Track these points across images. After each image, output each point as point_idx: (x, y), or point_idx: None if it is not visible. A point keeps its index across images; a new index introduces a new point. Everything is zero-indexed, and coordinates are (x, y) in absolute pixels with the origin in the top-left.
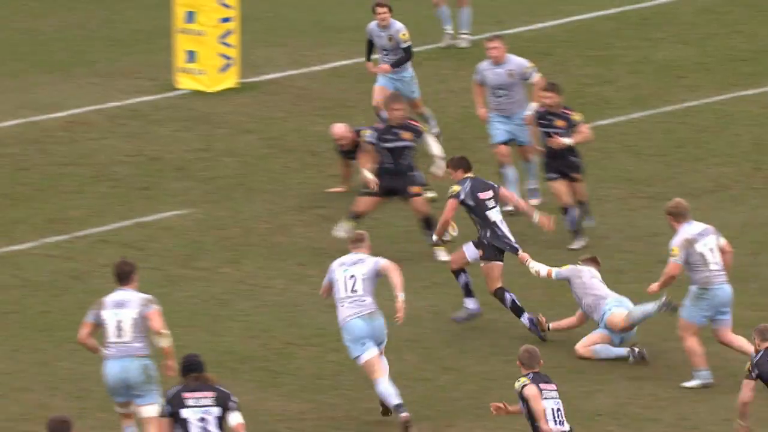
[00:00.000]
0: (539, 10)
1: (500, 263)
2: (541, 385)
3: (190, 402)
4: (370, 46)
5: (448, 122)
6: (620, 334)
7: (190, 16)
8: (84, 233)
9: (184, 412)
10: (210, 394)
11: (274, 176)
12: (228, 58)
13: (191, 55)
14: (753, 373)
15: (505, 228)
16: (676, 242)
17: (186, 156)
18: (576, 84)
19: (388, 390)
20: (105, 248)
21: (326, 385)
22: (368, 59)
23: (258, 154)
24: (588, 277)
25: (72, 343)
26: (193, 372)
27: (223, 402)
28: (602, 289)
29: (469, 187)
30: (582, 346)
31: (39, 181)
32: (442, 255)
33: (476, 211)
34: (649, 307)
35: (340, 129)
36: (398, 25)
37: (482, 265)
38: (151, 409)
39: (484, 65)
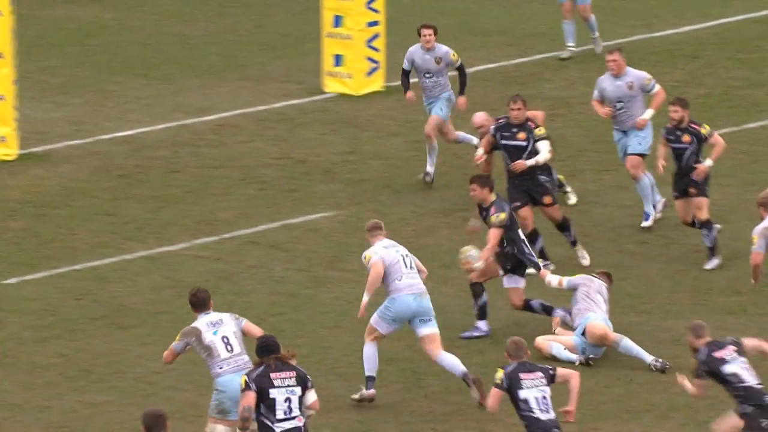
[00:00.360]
0: (687, 12)
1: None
2: (522, 375)
3: (276, 382)
4: (408, 74)
5: (592, 125)
6: (591, 345)
7: (338, 21)
8: (232, 235)
9: (273, 392)
10: (292, 374)
11: (418, 179)
12: (375, 61)
13: (338, 59)
14: (702, 371)
15: (527, 245)
16: (757, 230)
17: (332, 159)
18: (724, 87)
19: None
20: (253, 249)
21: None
22: (407, 89)
23: (404, 156)
24: (594, 289)
25: None
26: (272, 353)
27: (303, 382)
28: (600, 305)
29: (508, 209)
30: (544, 339)
31: (189, 183)
32: (584, 258)
33: (512, 229)
34: (643, 355)
35: (479, 117)
36: (445, 48)
37: (506, 282)
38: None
39: (603, 78)
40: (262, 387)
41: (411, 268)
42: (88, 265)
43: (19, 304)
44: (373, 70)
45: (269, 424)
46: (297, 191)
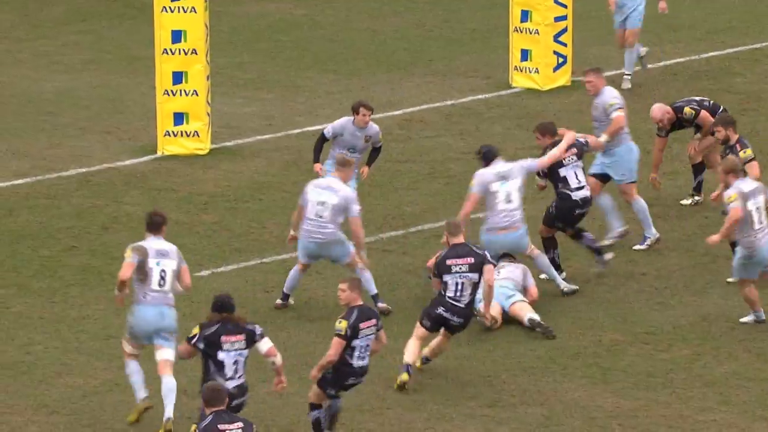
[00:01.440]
0: None
1: None
2: (362, 324)
3: (226, 346)
4: (323, 143)
5: None
6: None
7: (525, 15)
8: (418, 228)
9: (221, 355)
10: (242, 337)
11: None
12: (561, 56)
13: (525, 54)
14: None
15: None
16: (731, 191)
17: (519, 153)
18: None
19: None
20: (439, 244)
21: (658, 383)
22: (317, 159)
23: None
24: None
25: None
26: (226, 311)
27: (251, 339)
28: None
29: None
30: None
31: (377, 177)
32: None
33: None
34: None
35: (655, 112)
36: (376, 128)
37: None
38: (172, 352)
39: None
40: (211, 345)
41: None
42: (276, 258)
43: (210, 296)
44: (560, 65)
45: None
46: None
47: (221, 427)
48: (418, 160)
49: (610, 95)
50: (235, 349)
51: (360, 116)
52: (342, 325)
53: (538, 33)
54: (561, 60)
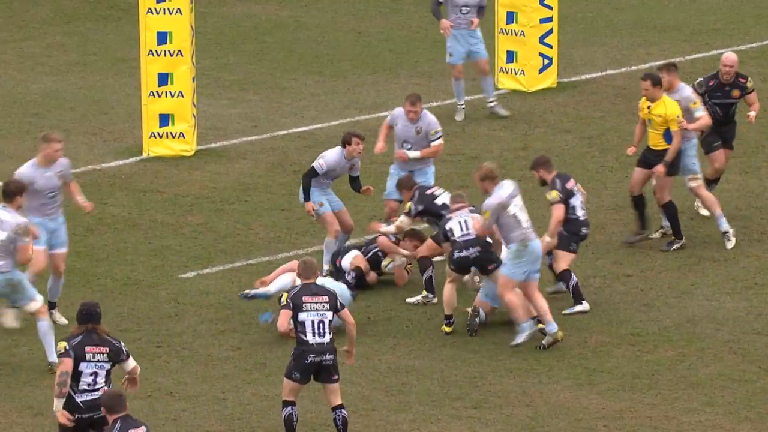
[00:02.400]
0: None
1: None
2: (306, 298)
3: (88, 356)
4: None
5: None
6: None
7: (511, 17)
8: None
9: (82, 365)
10: (105, 349)
11: (590, 175)
12: (547, 57)
13: (511, 55)
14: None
15: None
16: (489, 204)
17: (505, 155)
18: None
19: None
20: None
21: (643, 384)
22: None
23: (576, 153)
24: None
25: (392, 338)
26: (90, 322)
27: (117, 356)
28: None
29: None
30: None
31: (364, 179)
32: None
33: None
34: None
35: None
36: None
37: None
38: (33, 304)
39: None
40: (76, 357)
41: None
42: (263, 259)
43: (196, 297)
44: (546, 66)
45: (71, 393)
46: (469, 187)
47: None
48: None
49: (687, 93)
50: (97, 361)
51: (353, 146)
52: (283, 296)
53: (524, 35)
54: (546, 62)
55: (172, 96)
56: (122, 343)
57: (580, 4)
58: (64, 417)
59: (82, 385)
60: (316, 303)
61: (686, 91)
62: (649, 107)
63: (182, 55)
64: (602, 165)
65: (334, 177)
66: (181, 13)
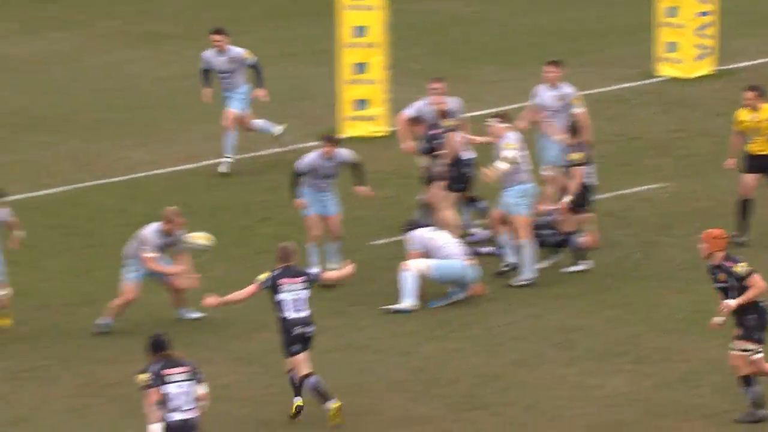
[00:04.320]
0: None
1: None
2: (284, 279)
3: (172, 378)
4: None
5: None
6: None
7: (672, 11)
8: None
9: (168, 387)
10: (186, 369)
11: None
12: (705, 48)
13: (671, 46)
14: None
15: None
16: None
17: (663, 136)
18: None
19: None
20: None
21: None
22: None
23: (729, 134)
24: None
25: (562, 299)
26: (162, 350)
27: (195, 375)
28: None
29: None
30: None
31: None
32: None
33: None
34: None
35: None
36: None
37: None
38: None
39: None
40: (157, 384)
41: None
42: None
43: (386, 262)
44: (703, 55)
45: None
46: (629, 165)
47: None
48: None
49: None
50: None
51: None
52: (263, 275)
53: (682, 27)
54: (704, 51)
55: (368, 83)
56: (197, 368)
57: None
58: None
59: (172, 405)
60: (295, 284)
61: None
62: (753, 118)
63: (377, 47)
64: None
65: (324, 176)
66: (373, 9)
